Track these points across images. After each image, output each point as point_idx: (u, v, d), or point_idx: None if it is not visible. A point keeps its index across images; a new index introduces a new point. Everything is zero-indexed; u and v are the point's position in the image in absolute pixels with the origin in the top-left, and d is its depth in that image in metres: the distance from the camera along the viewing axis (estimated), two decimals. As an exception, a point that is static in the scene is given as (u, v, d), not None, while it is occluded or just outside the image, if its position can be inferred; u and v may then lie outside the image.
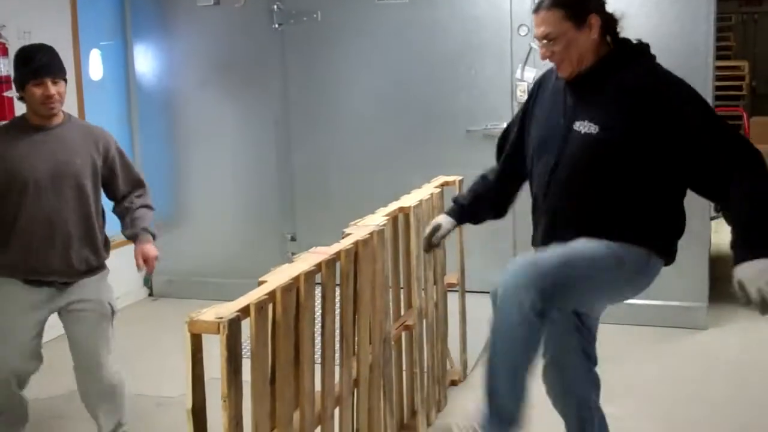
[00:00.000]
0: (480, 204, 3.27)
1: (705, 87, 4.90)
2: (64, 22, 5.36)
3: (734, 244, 2.56)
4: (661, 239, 2.80)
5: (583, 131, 2.71)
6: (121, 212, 3.67)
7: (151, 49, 5.96)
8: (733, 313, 5.34)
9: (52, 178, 3.35)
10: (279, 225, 5.84)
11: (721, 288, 5.67)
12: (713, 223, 6.98)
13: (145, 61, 5.98)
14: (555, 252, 2.71)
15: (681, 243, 4.86)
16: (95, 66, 5.71)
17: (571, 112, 2.77)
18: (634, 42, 2.86)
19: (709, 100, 4.90)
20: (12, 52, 4.74)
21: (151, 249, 3.62)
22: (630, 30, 4.93)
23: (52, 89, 3.33)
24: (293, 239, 5.76)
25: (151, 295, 6.18)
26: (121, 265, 5.89)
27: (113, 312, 3.58)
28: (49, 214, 3.35)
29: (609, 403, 4.07)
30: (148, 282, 6.16)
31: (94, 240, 3.49)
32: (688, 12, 4.89)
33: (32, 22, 5.04)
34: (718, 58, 5.72)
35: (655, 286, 4.99)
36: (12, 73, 3.57)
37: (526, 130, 3.01)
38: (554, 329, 2.93)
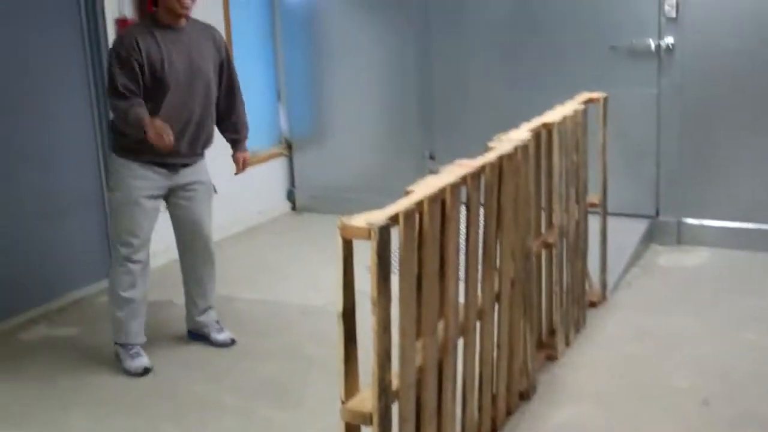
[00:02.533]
0: None
1: None
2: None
3: None
4: None
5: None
6: (227, 110, 4.02)
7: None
8: None
9: (187, 77, 3.72)
10: (418, 142, 5.86)
11: None
12: None
13: (289, -24, 6.03)
14: None
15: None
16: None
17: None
18: None
19: None
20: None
21: (246, 155, 4.13)
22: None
23: None
24: (432, 157, 5.77)
25: (293, 209, 6.34)
26: (267, 180, 6.11)
27: (215, 190, 4.07)
28: (183, 108, 3.73)
29: (751, 330, 4.01)
30: (291, 196, 6.31)
31: (211, 129, 3.93)
32: None
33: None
34: None
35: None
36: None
37: None
38: None
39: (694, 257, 5.05)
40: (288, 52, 6.14)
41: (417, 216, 2.41)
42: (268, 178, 6.11)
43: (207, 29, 3.90)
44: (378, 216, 2.24)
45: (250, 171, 5.77)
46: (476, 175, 2.76)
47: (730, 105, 5.03)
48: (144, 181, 3.75)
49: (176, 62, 3.68)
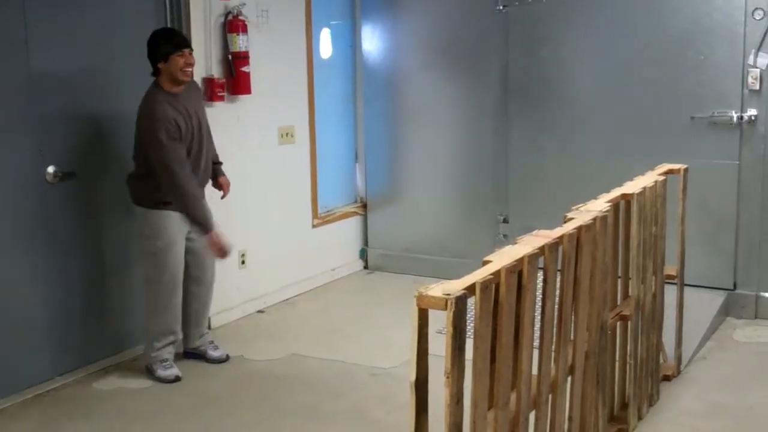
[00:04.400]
0: None
1: None
2: (299, 1, 5.59)
3: None
4: None
5: None
6: None
7: (378, 29, 6.11)
8: None
9: (199, 132, 4.25)
10: (492, 206, 5.86)
11: None
12: None
13: (372, 41, 6.14)
14: None
15: None
16: (325, 44, 5.94)
17: None
18: None
19: None
20: (251, 30, 5.05)
21: (227, 179, 4.62)
22: None
23: (192, 58, 4.20)
24: (505, 221, 5.77)
25: (366, 267, 6.38)
26: (340, 239, 6.19)
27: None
28: (199, 160, 4.27)
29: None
30: (364, 255, 6.36)
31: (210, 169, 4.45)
32: None
33: (270, 1, 5.29)
34: None
35: None
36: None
37: None
38: None
39: (773, 332, 4.94)
40: (367, 113, 6.24)
41: (494, 286, 2.41)
42: (342, 237, 6.17)
43: (193, 83, 4.39)
44: (454, 286, 2.25)
45: (325, 228, 5.93)
46: (554, 246, 2.76)
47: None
48: (182, 225, 4.25)
49: (191, 122, 4.20)
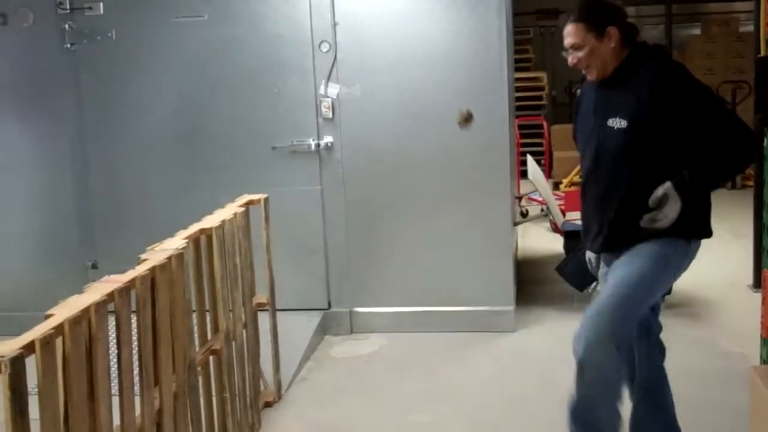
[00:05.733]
0: None
1: (502, 98, 5.11)
2: None
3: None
4: (695, 224, 3.12)
5: (615, 127, 3.07)
6: None
7: (-66, 73, 5.58)
8: (540, 313, 5.58)
9: None
10: (79, 253, 5.57)
11: (528, 290, 5.92)
12: (520, 227, 7.30)
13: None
14: (610, 292, 3.07)
15: (486, 249, 5.07)
16: None
17: (602, 112, 3.14)
18: (650, 45, 3.17)
19: (506, 110, 5.12)
20: None
21: None
22: (429, 44, 5.08)
23: None
24: (95, 266, 5.52)
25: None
26: None
27: None
28: None
29: (422, 411, 4.19)
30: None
31: None
32: (483, 27, 5.07)
33: None
34: (518, 70, 5.99)
35: (465, 292, 5.18)
36: None
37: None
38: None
39: (367, 345, 5.22)
40: None
41: (59, 341, 2.26)
42: None
43: None
44: (9, 346, 2.08)
45: None
46: (125, 290, 2.66)
47: (387, 199, 5.32)
48: None
49: None
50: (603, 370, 3.02)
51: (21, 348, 2.09)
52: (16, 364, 2.04)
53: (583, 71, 3.18)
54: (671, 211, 2.93)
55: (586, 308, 3.11)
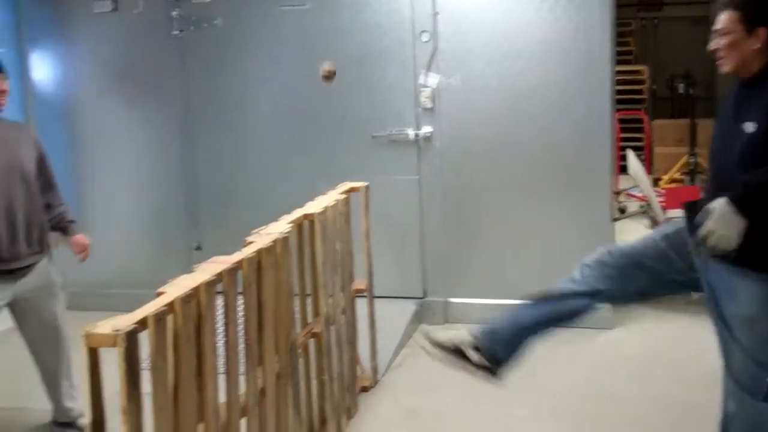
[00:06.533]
0: None
1: (604, 91, 5.03)
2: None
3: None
4: None
5: (746, 130, 2.84)
6: (50, 202, 3.97)
7: (48, 57, 5.82)
8: (638, 312, 5.48)
9: (8, 174, 3.60)
10: (184, 234, 5.75)
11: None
12: (618, 224, 7.18)
13: (42, 69, 5.83)
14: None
15: (584, 244, 5.00)
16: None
17: (738, 112, 2.92)
18: None
19: (608, 103, 5.03)
20: None
21: (84, 237, 4.09)
22: (530, 34, 5.05)
23: (4, 84, 3.62)
24: (199, 248, 5.68)
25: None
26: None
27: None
28: (9, 206, 3.59)
29: (518, 405, 4.17)
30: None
31: (43, 222, 3.83)
32: (586, 18, 5.00)
33: None
34: (618, 62, 5.89)
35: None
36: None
37: None
38: None
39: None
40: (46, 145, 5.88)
41: (170, 317, 2.33)
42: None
43: (20, 126, 3.91)
44: (124, 321, 2.15)
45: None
46: (233, 271, 2.72)
47: (484, 191, 5.30)
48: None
49: None
50: None
51: (135, 323, 2.16)
52: (131, 339, 2.11)
53: (718, 61, 3.01)
54: (723, 228, 2.74)
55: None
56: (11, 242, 3.60)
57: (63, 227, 4.04)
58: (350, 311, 4.13)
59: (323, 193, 4.04)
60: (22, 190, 3.67)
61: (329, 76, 5.02)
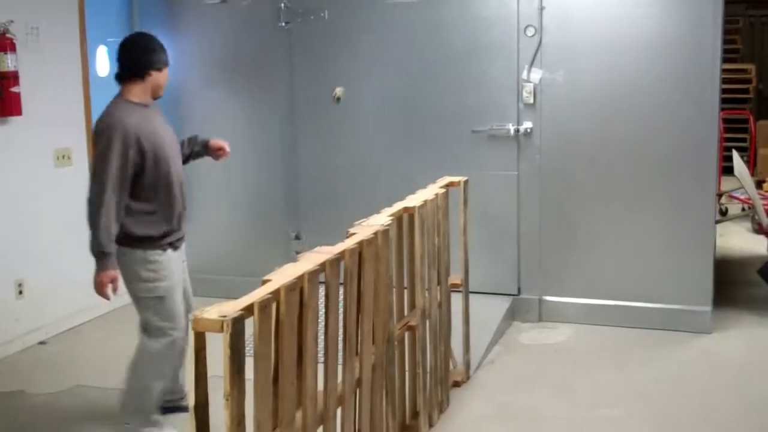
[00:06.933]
0: None
1: (712, 89, 4.91)
2: (72, 18, 5.37)
3: None
4: None
5: None
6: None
7: (159, 46, 5.96)
8: (738, 317, 5.34)
9: (173, 148, 3.84)
10: (284, 223, 5.84)
11: (725, 292, 5.67)
12: (718, 226, 7.01)
13: (152, 58, 5.98)
14: None
15: (684, 246, 4.88)
16: (102, 62, 5.71)
17: None
18: None
19: (716, 103, 4.91)
20: (20, 49, 4.77)
21: (218, 140, 4.29)
22: (637, 30, 4.96)
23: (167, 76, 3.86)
24: (298, 237, 5.76)
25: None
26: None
27: None
28: (177, 180, 3.81)
29: (611, 406, 4.12)
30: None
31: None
32: (695, 15, 4.88)
33: (40, 17, 5.05)
34: (725, 60, 5.72)
35: (659, 289, 5.02)
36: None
37: None
38: None
39: (555, 334, 5.17)
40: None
41: (274, 305, 2.38)
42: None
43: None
44: (231, 307, 2.20)
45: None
46: (335, 261, 2.76)
47: (583, 188, 5.23)
48: (178, 264, 3.90)
49: (165, 137, 3.81)
50: None
51: (241, 310, 2.21)
52: (237, 325, 2.16)
53: None
54: None
55: None
56: (181, 216, 3.86)
57: (199, 144, 4.24)
58: (446, 306, 4.14)
59: (421, 186, 4.05)
60: (179, 165, 3.92)
61: (337, 100, 5.12)
